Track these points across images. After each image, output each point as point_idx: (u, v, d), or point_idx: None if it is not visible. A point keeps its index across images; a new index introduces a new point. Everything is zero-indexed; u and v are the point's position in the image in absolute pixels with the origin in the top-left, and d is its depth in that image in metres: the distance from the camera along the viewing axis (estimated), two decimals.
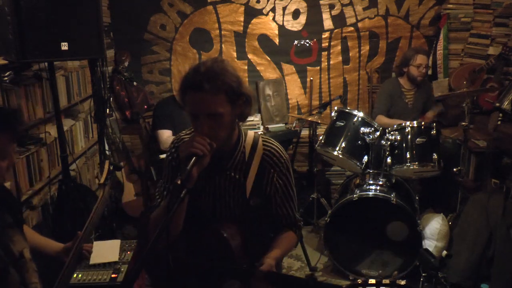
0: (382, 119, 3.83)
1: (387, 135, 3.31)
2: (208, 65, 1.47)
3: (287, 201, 1.70)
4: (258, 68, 4.49)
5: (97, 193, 1.92)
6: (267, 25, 4.39)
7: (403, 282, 1.34)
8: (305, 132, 4.31)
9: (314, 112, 4.25)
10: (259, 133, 2.13)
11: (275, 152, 1.66)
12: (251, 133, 1.69)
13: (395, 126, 3.40)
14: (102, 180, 1.96)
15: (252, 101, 1.56)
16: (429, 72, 4.38)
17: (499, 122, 3.75)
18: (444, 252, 3.15)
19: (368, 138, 3.26)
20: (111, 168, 2.01)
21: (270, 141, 1.69)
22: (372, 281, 1.36)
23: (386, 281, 1.35)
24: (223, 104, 1.46)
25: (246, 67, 4.47)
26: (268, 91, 4.47)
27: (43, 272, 1.65)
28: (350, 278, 3.20)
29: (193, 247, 1.59)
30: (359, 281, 1.38)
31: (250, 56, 4.46)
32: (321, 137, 3.49)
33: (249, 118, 4.10)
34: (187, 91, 1.47)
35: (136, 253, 2.25)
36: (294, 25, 4.41)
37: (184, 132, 1.73)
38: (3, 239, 1.49)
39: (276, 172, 1.65)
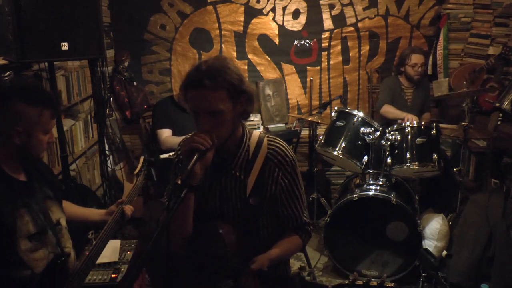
0: (388, 108, 3.79)
1: (387, 135, 3.31)
2: (209, 63, 1.47)
3: (292, 201, 1.65)
4: (258, 68, 4.49)
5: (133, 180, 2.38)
6: (267, 25, 4.39)
7: (391, 284, 1.33)
8: (305, 132, 4.30)
9: (314, 112, 4.24)
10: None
11: (279, 151, 1.63)
12: (256, 132, 1.67)
13: (395, 126, 3.40)
14: (136, 171, 2.39)
15: (254, 99, 1.55)
16: (429, 72, 4.39)
17: (499, 122, 3.75)
18: (444, 252, 3.15)
19: (368, 138, 3.26)
20: (145, 164, 2.43)
21: (276, 140, 1.66)
22: (359, 282, 1.37)
23: (374, 282, 1.34)
24: (223, 101, 1.45)
25: (246, 67, 4.47)
26: (268, 91, 4.48)
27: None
28: (350, 278, 3.20)
29: (190, 241, 1.59)
30: (347, 281, 1.38)
31: (250, 56, 4.46)
32: (321, 137, 3.48)
33: (249, 118, 4.17)
34: (189, 89, 1.47)
35: (136, 253, 2.25)
36: (294, 25, 4.41)
37: (191, 134, 1.72)
38: (43, 206, 1.70)
39: (281, 171, 1.62)
